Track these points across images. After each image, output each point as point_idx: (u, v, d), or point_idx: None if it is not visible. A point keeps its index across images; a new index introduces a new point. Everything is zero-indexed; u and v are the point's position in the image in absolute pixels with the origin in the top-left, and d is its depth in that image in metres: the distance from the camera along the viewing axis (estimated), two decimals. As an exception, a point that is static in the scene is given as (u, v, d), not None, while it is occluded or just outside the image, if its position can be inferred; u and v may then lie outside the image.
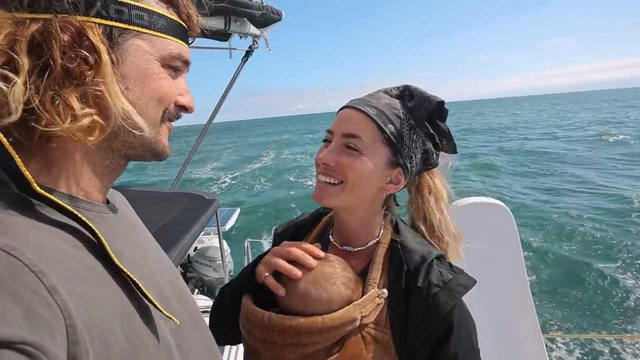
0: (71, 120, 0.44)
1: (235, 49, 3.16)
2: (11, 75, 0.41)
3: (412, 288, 0.76)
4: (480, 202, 1.62)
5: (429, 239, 0.87)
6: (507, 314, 1.74)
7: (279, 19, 2.98)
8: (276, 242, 0.98)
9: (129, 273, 0.47)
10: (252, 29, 2.88)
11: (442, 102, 0.82)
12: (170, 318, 0.53)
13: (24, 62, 0.42)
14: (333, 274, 0.77)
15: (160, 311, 0.50)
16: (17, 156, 0.41)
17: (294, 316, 0.72)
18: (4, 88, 0.40)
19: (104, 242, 0.46)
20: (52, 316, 0.36)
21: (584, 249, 8.01)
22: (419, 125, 0.82)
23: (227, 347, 2.63)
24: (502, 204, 1.63)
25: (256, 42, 3.20)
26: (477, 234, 1.67)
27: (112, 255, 0.46)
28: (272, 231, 1.05)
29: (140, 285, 0.48)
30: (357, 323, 0.73)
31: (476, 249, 1.64)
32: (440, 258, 0.81)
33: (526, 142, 25.94)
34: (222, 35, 2.84)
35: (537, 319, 1.80)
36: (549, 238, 8.70)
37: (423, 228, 0.88)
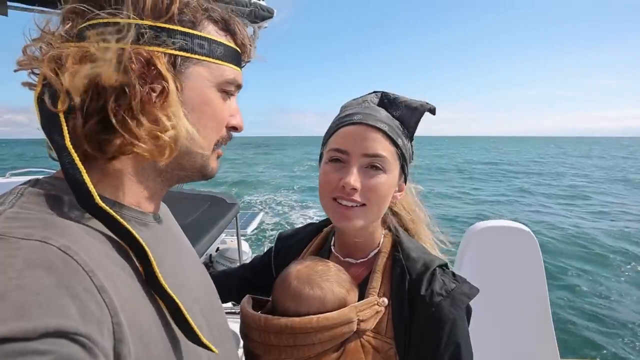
0: (150, 141, 0.48)
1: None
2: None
3: (415, 296, 0.75)
4: (502, 226, 1.58)
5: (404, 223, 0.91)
6: (527, 339, 1.68)
7: (270, 16, 3.27)
8: (278, 246, 1.02)
9: (172, 294, 0.47)
10: (245, 21, 3.34)
11: (434, 108, 0.82)
12: (210, 349, 0.52)
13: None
14: (327, 272, 0.78)
15: (201, 341, 0.50)
16: (85, 172, 0.44)
17: (290, 317, 0.73)
18: None
19: (153, 262, 0.47)
20: (100, 313, 0.38)
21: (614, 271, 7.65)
22: (411, 133, 0.84)
23: None
24: (525, 227, 1.58)
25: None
26: (499, 257, 1.64)
27: (160, 276, 0.47)
28: (277, 235, 1.07)
29: (182, 308, 0.48)
30: (354, 326, 0.72)
31: (497, 272, 1.60)
32: (443, 267, 0.80)
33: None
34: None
35: (557, 345, 1.75)
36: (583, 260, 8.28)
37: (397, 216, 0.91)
